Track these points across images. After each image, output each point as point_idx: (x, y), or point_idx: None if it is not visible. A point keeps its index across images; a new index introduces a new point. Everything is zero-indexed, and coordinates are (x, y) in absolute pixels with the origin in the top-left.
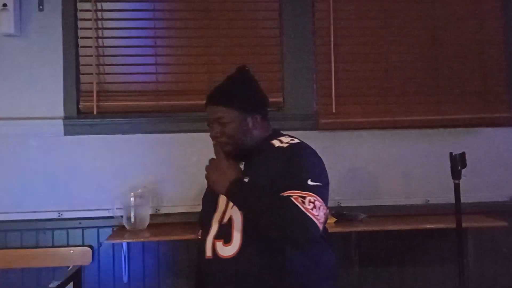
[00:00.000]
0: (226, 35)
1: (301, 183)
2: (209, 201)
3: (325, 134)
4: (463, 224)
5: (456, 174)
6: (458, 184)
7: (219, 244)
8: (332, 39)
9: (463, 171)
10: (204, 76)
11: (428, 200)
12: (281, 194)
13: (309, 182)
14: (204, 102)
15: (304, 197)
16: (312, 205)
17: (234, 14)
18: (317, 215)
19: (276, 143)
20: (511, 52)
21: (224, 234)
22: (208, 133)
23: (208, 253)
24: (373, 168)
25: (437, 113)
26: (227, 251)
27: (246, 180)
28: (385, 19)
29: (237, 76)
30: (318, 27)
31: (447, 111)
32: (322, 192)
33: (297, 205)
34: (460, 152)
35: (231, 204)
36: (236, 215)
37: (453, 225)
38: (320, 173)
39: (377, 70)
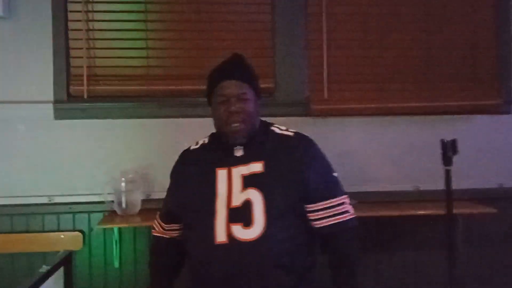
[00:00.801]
0: (218, 19)
1: (336, 186)
2: (199, 182)
3: (317, 120)
4: (454, 211)
5: (447, 160)
6: (449, 170)
7: (237, 228)
8: (324, 24)
9: (455, 158)
10: (196, 61)
11: (419, 187)
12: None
13: (334, 174)
14: (196, 86)
15: (342, 203)
16: (348, 204)
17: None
18: (351, 211)
19: (275, 129)
20: (502, 39)
21: (241, 217)
22: (199, 119)
23: (221, 238)
24: (363, 154)
25: (428, 100)
26: (249, 234)
27: (247, 166)
28: (378, 5)
29: (239, 56)
30: (310, 12)
31: (438, 98)
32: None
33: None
34: (451, 139)
35: (238, 186)
36: (255, 198)
37: (443, 212)
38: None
39: (369, 57)
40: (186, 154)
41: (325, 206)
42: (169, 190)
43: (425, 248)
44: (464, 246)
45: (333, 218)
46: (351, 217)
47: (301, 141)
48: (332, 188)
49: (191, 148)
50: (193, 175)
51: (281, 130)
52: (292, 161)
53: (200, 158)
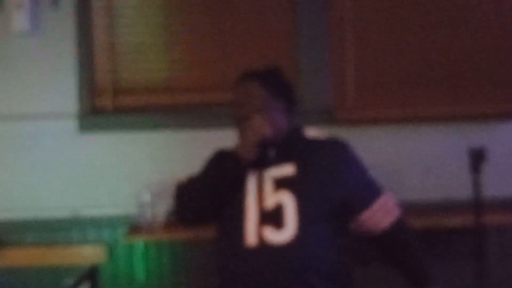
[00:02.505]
0: (240, 29)
1: (376, 185)
2: (229, 178)
3: (342, 129)
4: (484, 221)
5: (475, 169)
6: (478, 179)
7: (269, 230)
8: (348, 30)
9: (485, 166)
10: (219, 72)
11: (449, 196)
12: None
13: (371, 175)
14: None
15: (388, 200)
16: (391, 200)
17: (247, 7)
18: (397, 203)
19: (308, 133)
20: None
21: (273, 220)
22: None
23: (251, 240)
24: (391, 163)
25: (457, 104)
26: (280, 237)
27: (278, 168)
28: (404, 9)
29: (272, 67)
30: (333, 18)
31: (467, 102)
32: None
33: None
34: (479, 147)
35: (268, 189)
36: (287, 200)
37: (473, 222)
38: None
39: (396, 63)
40: (222, 152)
41: (376, 209)
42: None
43: (455, 260)
44: (496, 258)
45: (388, 217)
46: (401, 211)
47: (334, 144)
48: (374, 189)
49: (227, 150)
50: (225, 171)
51: (314, 134)
52: (327, 165)
53: (233, 158)
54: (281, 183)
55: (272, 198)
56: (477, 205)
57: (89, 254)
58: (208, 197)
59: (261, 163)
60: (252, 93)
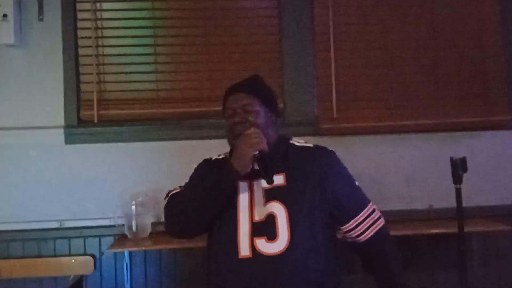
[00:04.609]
0: (226, 42)
1: (362, 196)
2: (219, 188)
3: (326, 140)
4: (466, 229)
5: (457, 178)
6: (459, 188)
7: (261, 242)
8: (332, 44)
9: (467, 175)
10: (205, 83)
11: (432, 205)
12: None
13: (357, 184)
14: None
15: (373, 211)
16: (376, 211)
17: (233, 21)
18: (381, 215)
19: (295, 143)
20: (511, 55)
21: (265, 231)
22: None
23: (245, 252)
24: (375, 173)
25: (438, 117)
26: (273, 248)
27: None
28: (385, 23)
29: (255, 75)
30: (317, 32)
31: (449, 115)
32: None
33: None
34: (461, 157)
35: (259, 200)
36: (278, 211)
37: (456, 230)
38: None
39: (378, 75)
40: (209, 161)
41: (362, 219)
42: (193, 179)
43: (440, 268)
44: (479, 264)
45: (373, 227)
46: (384, 220)
47: (322, 153)
48: (361, 199)
49: (213, 158)
50: (214, 180)
51: (300, 143)
52: (315, 173)
53: (222, 168)
54: (271, 194)
55: (263, 209)
56: (459, 213)
57: (76, 265)
58: (199, 211)
59: (254, 175)
60: (251, 107)
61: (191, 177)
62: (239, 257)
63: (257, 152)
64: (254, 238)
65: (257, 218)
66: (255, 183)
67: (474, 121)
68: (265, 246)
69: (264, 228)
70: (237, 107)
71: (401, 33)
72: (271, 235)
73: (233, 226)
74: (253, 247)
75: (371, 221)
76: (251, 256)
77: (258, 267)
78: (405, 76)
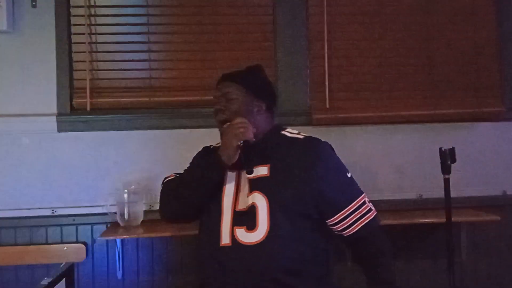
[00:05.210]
0: (220, 31)
1: (353, 188)
2: (210, 175)
3: (319, 130)
4: (455, 219)
5: (445, 169)
6: (448, 179)
7: (241, 231)
8: (325, 35)
9: (457, 165)
10: (198, 73)
11: (422, 195)
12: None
13: (348, 175)
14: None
15: (362, 204)
16: (367, 202)
17: (227, 10)
18: (372, 208)
19: (287, 133)
20: (503, 46)
21: (246, 221)
22: (202, 129)
23: (225, 240)
24: (366, 163)
25: (430, 108)
26: (252, 237)
27: (253, 169)
28: (379, 15)
29: (253, 65)
30: (311, 23)
31: (440, 106)
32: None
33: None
34: (450, 147)
35: (244, 190)
36: (260, 201)
37: (445, 220)
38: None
39: (371, 66)
40: (208, 149)
41: (348, 212)
42: (190, 166)
43: (429, 257)
44: (468, 254)
45: (360, 221)
46: (375, 214)
47: (311, 145)
48: (350, 192)
49: (212, 146)
50: (207, 168)
51: (292, 133)
52: (302, 165)
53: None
54: (255, 185)
55: (246, 200)
56: (447, 203)
57: (67, 252)
58: (189, 196)
59: (240, 165)
60: (232, 95)
61: (190, 164)
62: (220, 245)
63: (241, 142)
64: (235, 228)
65: (239, 207)
66: (242, 173)
67: (466, 112)
68: (244, 236)
69: (245, 217)
70: (219, 95)
71: (394, 24)
72: (251, 225)
73: (218, 214)
74: (233, 236)
75: (358, 215)
76: (230, 244)
77: (237, 256)
78: (397, 67)
